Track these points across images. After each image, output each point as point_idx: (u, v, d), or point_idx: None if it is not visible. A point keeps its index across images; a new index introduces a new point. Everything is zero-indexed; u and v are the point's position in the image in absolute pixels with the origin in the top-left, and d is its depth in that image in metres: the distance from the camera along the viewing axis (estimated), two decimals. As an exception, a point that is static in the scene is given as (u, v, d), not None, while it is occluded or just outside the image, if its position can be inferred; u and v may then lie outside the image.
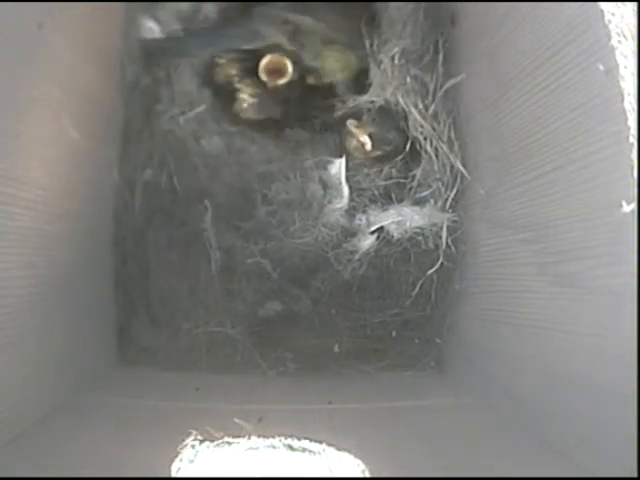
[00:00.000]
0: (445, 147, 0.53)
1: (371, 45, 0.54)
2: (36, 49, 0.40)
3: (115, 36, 0.57)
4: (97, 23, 0.52)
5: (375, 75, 0.55)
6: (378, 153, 0.57)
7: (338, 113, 0.57)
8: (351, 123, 0.57)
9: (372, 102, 0.56)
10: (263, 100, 0.59)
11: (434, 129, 0.53)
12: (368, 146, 0.56)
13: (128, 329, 0.59)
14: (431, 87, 0.53)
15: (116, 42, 0.57)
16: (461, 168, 0.53)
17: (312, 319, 0.60)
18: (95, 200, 0.53)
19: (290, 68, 0.57)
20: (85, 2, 0.48)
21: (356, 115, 0.57)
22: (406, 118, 0.55)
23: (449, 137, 0.53)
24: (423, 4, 0.55)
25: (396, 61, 0.53)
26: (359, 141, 0.56)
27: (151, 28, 0.58)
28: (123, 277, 0.59)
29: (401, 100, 0.54)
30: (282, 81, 0.57)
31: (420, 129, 0.53)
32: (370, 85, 0.56)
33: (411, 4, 0.55)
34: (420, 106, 0.53)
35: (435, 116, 0.53)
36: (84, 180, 0.50)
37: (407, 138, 0.56)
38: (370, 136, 0.56)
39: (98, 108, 0.53)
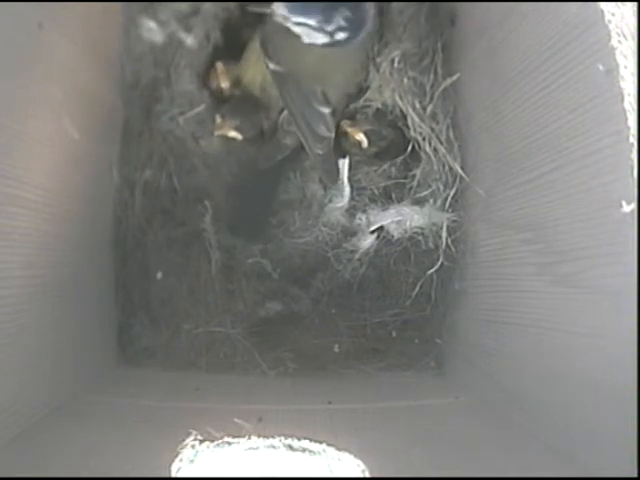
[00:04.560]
0: (444, 147, 0.53)
1: (371, 48, 0.54)
2: (36, 49, 0.40)
3: (115, 36, 0.57)
4: (97, 23, 0.52)
5: (373, 78, 0.55)
6: (374, 150, 0.58)
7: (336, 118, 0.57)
8: (345, 123, 0.57)
9: (369, 106, 0.56)
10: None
11: (432, 129, 0.53)
12: (364, 144, 0.56)
13: (128, 329, 0.59)
14: (429, 88, 0.53)
15: (116, 42, 0.57)
16: (459, 169, 0.53)
17: (312, 319, 0.60)
18: (95, 200, 0.53)
19: None
20: (85, 2, 0.48)
21: (350, 116, 0.58)
22: (404, 119, 0.55)
23: (448, 137, 0.53)
24: (424, 7, 0.55)
25: (395, 64, 0.53)
26: (355, 140, 0.57)
27: (151, 28, 0.58)
28: (123, 277, 0.59)
29: (399, 101, 0.54)
30: None
31: (419, 129, 0.53)
32: (368, 88, 0.56)
33: (412, 7, 0.55)
34: (418, 107, 0.53)
35: (434, 116, 0.53)
36: (84, 180, 0.50)
37: (404, 135, 0.56)
38: (365, 134, 0.56)
39: (98, 108, 0.53)
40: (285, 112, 0.57)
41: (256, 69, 0.57)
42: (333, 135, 0.55)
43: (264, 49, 0.55)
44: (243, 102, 0.58)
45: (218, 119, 0.57)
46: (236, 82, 0.59)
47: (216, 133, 0.57)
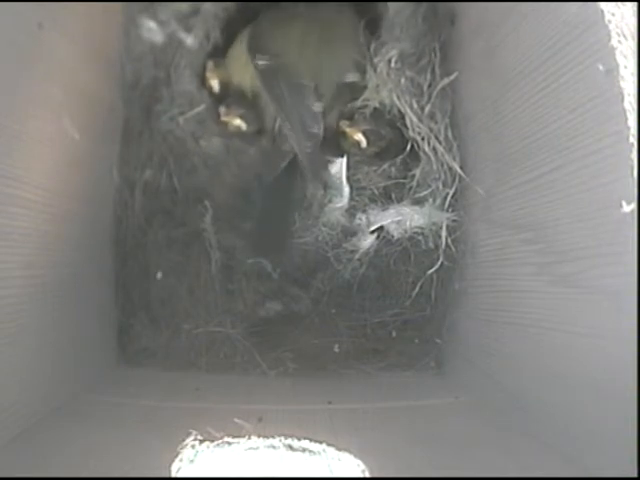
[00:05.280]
0: (442, 147, 0.53)
1: (368, 48, 0.54)
2: (36, 49, 0.40)
3: (115, 36, 0.57)
4: (97, 23, 0.52)
5: (370, 78, 0.55)
6: (373, 150, 0.58)
7: (333, 117, 0.57)
8: (344, 123, 0.57)
9: (366, 106, 0.56)
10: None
11: (431, 129, 0.53)
12: (363, 144, 0.56)
13: (128, 329, 0.59)
14: (427, 88, 0.54)
15: (116, 42, 0.57)
16: (457, 168, 0.53)
17: (312, 319, 0.60)
18: (95, 200, 0.53)
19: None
20: (85, 2, 0.48)
21: (348, 116, 0.58)
22: (403, 118, 0.55)
23: (446, 137, 0.53)
24: (421, 8, 0.55)
25: (392, 64, 0.53)
26: (354, 139, 0.57)
27: (151, 28, 0.58)
28: (123, 277, 0.59)
29: (397, 101, 0.54)
30: None
31: (417, 129, 0.53)
32: (365, 87, 0.56)
33: (410, 8, 0.55)
34: (415, 107, 0.53)
35: (432, 116, 0.53)
36: (84, 180, 0.50)
37: (402, 135, 0.56)
38: (364, 133, 0.56)
39: (98, 108, 0.53)
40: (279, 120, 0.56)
41: (246, 71, 0.57)
42: (322, 134, 0.55)
43: (255, 46, 0.55)
44: (245, 93, 0.59)
45: (223, 108, 0.57)
46: (226, 81, 0.59)
47: (222, 119, 0.57)
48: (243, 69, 0.57)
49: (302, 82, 0.54)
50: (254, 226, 0.58)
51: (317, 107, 0.54)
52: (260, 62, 0.55)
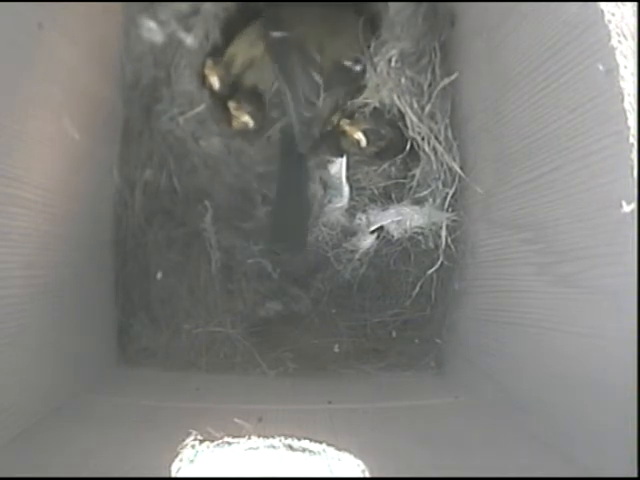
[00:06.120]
0: (442, 147, 0.53)
1: (368, 47, 0.55)
2: (36, 49, 0.40)
3: (115, 36, 0.57)
4: (97, 23, 0.52)
5: (370, 77, 0.55)
6: (373, 149, 0.58)
7: (334, 117, 0.58)
8: (344, 122, 0.57)
9: (366, 104, 0.56)
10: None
11: (431, 129, 0.53)
12: (363, 143, 0.57)
13: (128, 329, 0.59)
14: (427, 88, 0.54)
15: (116, 42, 0.57)
16: (457, 168, 0.53)
17: (312, 319, 0.60)
18: (95, 200, 0.53)
19: None
20: (85, 2, 0.48)
21: (348, 114, 0.58)
22: (403, 118, 0.55)
23: (446, 137, 0.53)
24: (422, 7, 0.55)
25: (392, 63, 0.53)
26: (354, 138, 0.57)
27: (151, 28, 0.58)
28: (123, 277, 0.59)
29: (397, 101, 0.54)
30: None
31: (417, 129, 0.53)
32: (365, 87, 0.56)
33: (410, 7, 0.55)
34: (416, 106, 0.53)
35: (432, 116, 0.53)
36: (84, 180, 0.50)
37: (402, 135, 0.56)
38: (364, 132, 0.56)
39: (98, 108, 0.53)
40: (275, 85, 0.58)
41: (255, 47, 0.59)
42: (321, 104, 0.56)
43: (267, 23, 0.58)
44: (254, 92, 0.59)
45: (233, 103, 0.58)
46: (227, 68, 0.59)
47: (232, 113, 0.58)
48: (251, 47, 0.59)
49: (309, 53, 0.56)
50: (271, 217, 0.59)
51: (318, 79, 0.56)
52: (273, 34, 0.57)
